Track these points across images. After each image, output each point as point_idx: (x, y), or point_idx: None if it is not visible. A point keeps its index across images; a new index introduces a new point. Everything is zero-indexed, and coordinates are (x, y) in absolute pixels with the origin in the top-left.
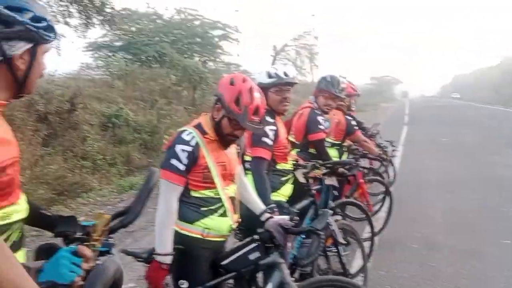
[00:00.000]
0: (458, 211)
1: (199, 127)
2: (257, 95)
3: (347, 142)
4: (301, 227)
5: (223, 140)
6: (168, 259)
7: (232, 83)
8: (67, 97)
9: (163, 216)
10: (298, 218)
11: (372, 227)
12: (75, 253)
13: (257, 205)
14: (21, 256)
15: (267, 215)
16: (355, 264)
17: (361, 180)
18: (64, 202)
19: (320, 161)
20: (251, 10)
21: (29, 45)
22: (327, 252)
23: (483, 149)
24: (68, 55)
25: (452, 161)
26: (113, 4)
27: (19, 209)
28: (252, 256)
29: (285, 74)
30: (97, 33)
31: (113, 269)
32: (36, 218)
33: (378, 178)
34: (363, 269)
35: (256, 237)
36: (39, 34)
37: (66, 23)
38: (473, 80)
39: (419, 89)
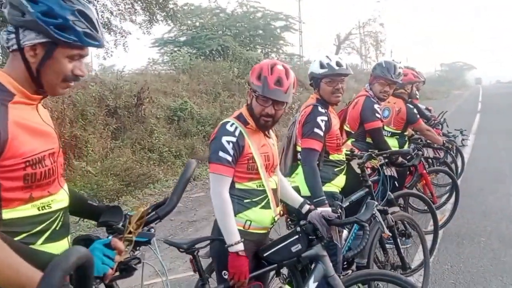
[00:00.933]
0: None
1: (240, 117)
2: (280, 67)
3: (409, 132)
4: (346, 218)
5: (258, 123)
6: (241, 246)
7: (256, 66)
8: (134, 92)
9: (221, 208)
10: (341, 210)
11: (435, 220)
12: (108, 246)
13: (295, 198)
14: (64, 244)
15: (307, 206)
16: (417, 257)
17: (424, 171)
18: (132, 192)
19: (376, 151)
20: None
21: (41, 40)
22: (385, 245)
23: None
24: (135, 52)
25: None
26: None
27: (59, 199)
28: (294, 248)
29: (338, 64)
30: (162, 29)
31: (76, 255)
32: (82, 208)
33: (444, 168)
34: (424, 264)
35: (298, 229)
36: (50, 31)
37: (132, 21)
38: None
39: (494, 75)
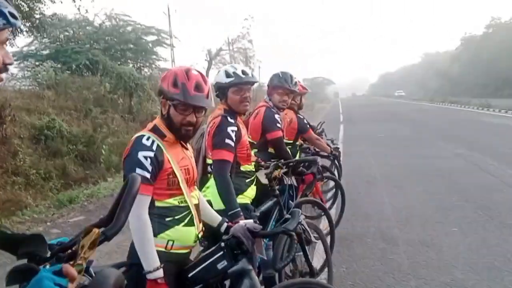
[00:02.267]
0: (407, 204)
1: (155, 130)
2: (195, 72)
3: (299, 141)
4: (273, 229)
5: (179, 133)
6: (160, 273)
7: (168, 72)
8: None
9: (140, 231)
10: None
11: (331, 222)
12: (59, 273)
13: (213, 216)
14: None
15: (225, 225)
16: (316, 262)
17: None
18: None
19: (283, 160)
20: (184, 14)
21: None
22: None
23: (418, 143)
24: None
25: (392, 156)
26: (43, 9)
27: None
28: (220, 265)
29: (244, 73)
30: (22, 41)
31: (114, 278)
32: None
33: (331, 175)
34: (326, 266)
35: (223, 244)
36: None
37: None
38: (398, 77)
39: (350, 89)
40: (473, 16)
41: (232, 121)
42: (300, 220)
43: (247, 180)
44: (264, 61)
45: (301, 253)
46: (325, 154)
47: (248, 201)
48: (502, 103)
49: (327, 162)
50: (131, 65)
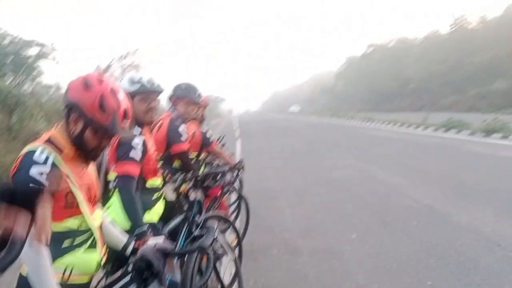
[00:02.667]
0: (307, 215)
1: (52, 142)
2: (122, 95)
3: (203, 154)
4: (188, 247)
5: (87, 154)
6: None
7: (87, 86)
8: None
9: (35, 260)
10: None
11: (238, 235)
12: None
13: (118, 238)
14: None
15: (132, 245)
16: (225, 277)
17: (220, 192)
18: None
19: (190, 174)
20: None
21: None
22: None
23: (312, 155)
24: None
25: (289, 169)
26: None
27: None
28: None
29: (150, 81)
30: None
31: None
32: None
33: (236, 189)
34: (236, 281)
35: (129, 268)
36: None
37: None
38: (288, 95)
39: (243, 106)
40: (356, 38)
41: (137, 132)
42: (215, 236)
43: (154, 196)
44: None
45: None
46: (229, 167)
47: (156, 218)
48: (382, 116)
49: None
50: (9, 81)
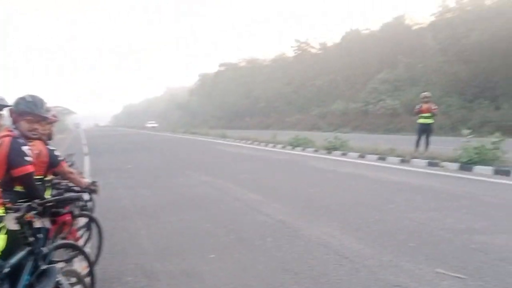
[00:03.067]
0: (165, 235)
1: None
2: None
3: (50, 176)
4: None
5: None
6: None
7: None
8: None
9: None
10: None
11: (90, 262)
12: None
13: None
14: None
15: None
16: None
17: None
18: None
19: (38, 200)
20: None
21: None
22: None
23: (167, 173)
24: None
25: (144, 187)
26: None
27: None
28: None
29: None
30: None
31: None
32: None
33: (88, 213)
34: None
35: None
36: None
37: None
38: (142, 109)
39: (92, 119)
40: (209, 55)
41: None
42: (58, 279)
43: None
44: None
45: None
46: (80, 189)
47: None
48: (235, 133)
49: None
50: None
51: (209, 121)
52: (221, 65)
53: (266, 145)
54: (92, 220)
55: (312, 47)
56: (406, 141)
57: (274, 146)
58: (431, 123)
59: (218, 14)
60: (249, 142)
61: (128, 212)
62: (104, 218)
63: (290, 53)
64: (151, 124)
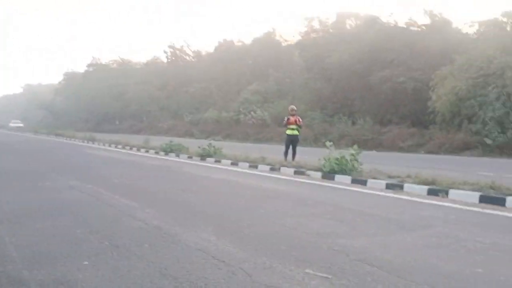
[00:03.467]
0: (32, 242)
1: None
2: None
3: None
4: None
5: None
6: None
7: None
8: None
9: None
10: None
11: None
12: None
13: None
14: None
15: None
16: None
17: None
18: None
19: None
20: None
21: None
22: None
23: (32, 176)
24: None
25: (6, 192)
26: None
27: None
28: None
29: None
30: None
31: None
32: None
33: None
34: None
35: None
36: None
37: None
38: (1, 107)
39: None
40: (75, 53)
41: None
42: None
43: None
44: None
45: None
46: None
47: None
48: (104, 137)
49: None
50: None
51: (76, 123)
52: (89, 65)
53: (138, 150)
54: None
55: (187, 54)
56: (275, 150)
57: (147, 151)
58: (297, 134)
59: (87, 10)
60: (120, 146)
61: None
62: None
63: (164, 58)
64: (15, 123)
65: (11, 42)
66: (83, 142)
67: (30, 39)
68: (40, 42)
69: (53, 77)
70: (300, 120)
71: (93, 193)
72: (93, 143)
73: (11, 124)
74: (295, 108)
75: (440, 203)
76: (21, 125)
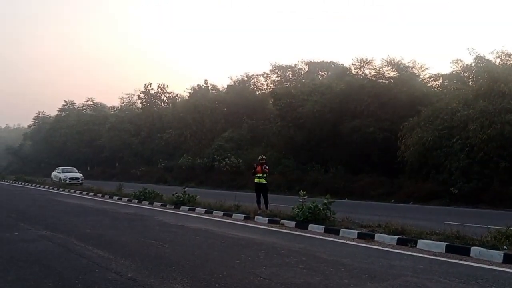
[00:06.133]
0: None
1: None
2: None
3: None
4: None
5: None
6: None
7: None
8: None
9: None
10: None
11: None
12: None
13: None
14: None
15: None
16: None
17: None
18: None
19: None
20: None
21: None
22: None
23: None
24: None
25: None
26: None
27: None
28: None
29: None
30: None
31: None
32: None
33: None
34: None
35: None
36: None
37: None
38: None
39: None
40: (47, 97)
41: None
42: None
43: None
44: None
45: None
46: None
47: None
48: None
49: None
50: None
51: (46, 169)
52: (61, 109)
53: (111, 197)
54: None
55: (162, 100)
56: (249, 198)
57: (120, 199)
58: (265, 183)
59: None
60: (91, 193)
61: None
62: None
63: (138, 104)
64: None
65: None
66: (52, 189)
67: None
68: (10, 84)
69: (22, 120)
70: (267, 168)
71: (65, 244)
72: (63, 190)
73: None
74: (264, 157)
75: (409, 252)
76: None
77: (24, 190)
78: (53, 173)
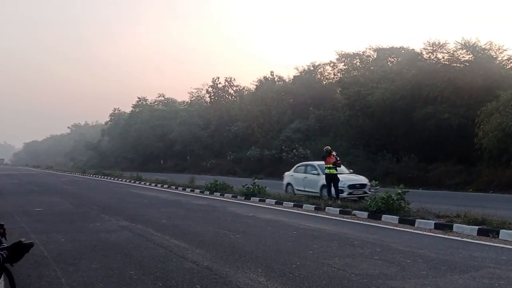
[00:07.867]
0: (87, 283)
1: None
2: None
3: None
4: None
5: None
6: None
7: None
8: None
9: None
10: None
11: None
12: None
13: None
14: None
15: None
16: None
17: None
18: None
19: None
20: None
21: None
22: None
23: (81, 217)
24: None
25: (57, 232)
26: None
27: None
28: None
29: None
30: None
31: None
32: None
33: None
34: None
35: None
36: None
37: None
38: (46, 147)
39: None
40: (123, 94)
41: None
42: None
43: None
44: None
45: None
46: None
47: None
48: (150, 176)
49: None
50: None
51: (121, 163)
52: (135, 105)
53: (184, 189)
54: (1, 269)
55: (229, 94)
56: None
57: (192, 191)
58: (336, 173)
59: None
60: (166, 186)
61: (42, 259)
62: (15, 266)
63: (206, 98)
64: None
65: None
66: (129, 182)
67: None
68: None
69: (100, 117)
70: (339, 160)
71: (143, 234)
72: (139, 183)
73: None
74: (329, 147)
75: (491, 243)
76: (8, 162)
77: (103, 184)
78: (290, 174)
